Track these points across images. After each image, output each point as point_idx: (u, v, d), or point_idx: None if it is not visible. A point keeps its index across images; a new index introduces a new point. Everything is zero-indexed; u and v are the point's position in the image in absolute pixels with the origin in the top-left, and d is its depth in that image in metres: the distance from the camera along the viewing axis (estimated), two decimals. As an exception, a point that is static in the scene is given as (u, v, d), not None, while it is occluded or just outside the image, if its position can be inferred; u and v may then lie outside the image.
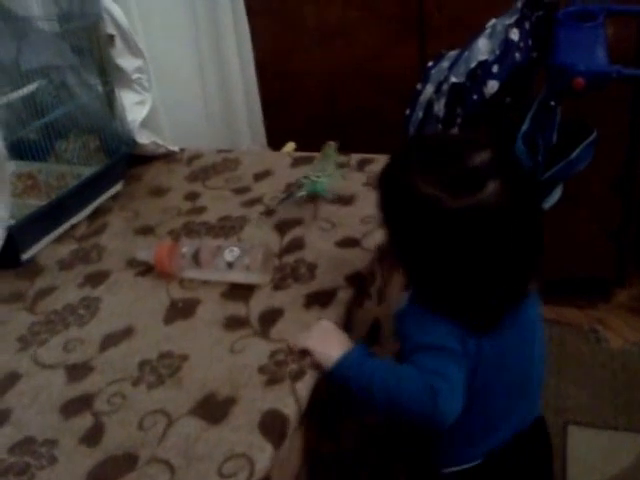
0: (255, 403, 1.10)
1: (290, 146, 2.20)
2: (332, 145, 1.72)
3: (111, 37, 1.73)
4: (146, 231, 1.66)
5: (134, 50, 1.77)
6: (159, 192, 1.84)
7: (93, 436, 1.09)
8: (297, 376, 1.14)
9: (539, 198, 1.12)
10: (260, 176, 1.84)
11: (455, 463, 1.21)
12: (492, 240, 1.01)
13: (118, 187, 1.83)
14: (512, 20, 1.65)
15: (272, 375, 1.15)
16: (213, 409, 1.11)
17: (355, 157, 1.85)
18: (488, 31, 1.69)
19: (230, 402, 1.11)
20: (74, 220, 1.71)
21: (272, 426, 1.06)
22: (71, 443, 1.09)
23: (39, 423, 1.13)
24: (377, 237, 1.48)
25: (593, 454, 2.08)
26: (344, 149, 1.83)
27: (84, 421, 1.12)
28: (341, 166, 1.79)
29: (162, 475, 1.00)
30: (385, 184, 1.13)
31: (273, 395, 1.11)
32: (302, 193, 1.65)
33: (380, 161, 1.80)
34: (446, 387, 1.02)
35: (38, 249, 1.62)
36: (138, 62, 1.80)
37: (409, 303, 1.15)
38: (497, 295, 1.06)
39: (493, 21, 1.71)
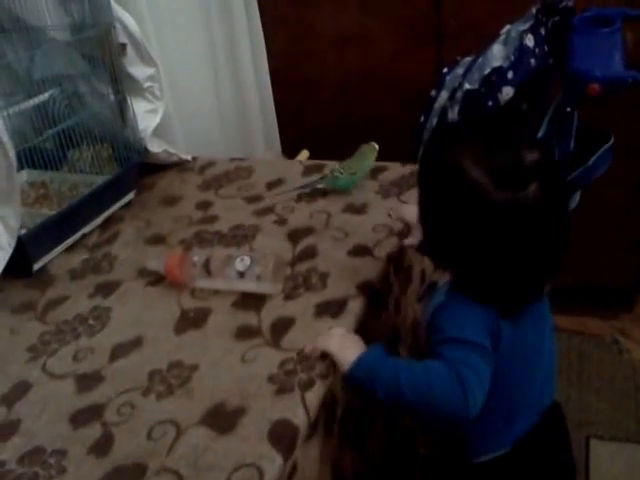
0: (264, 413, 1.09)
1: (304, 154, 2.19)
2: (372, 147, 1.71)
3: (123, 46, 1.72)
4: (157, 240, 1.66)
5: (146, 59, 1.77)
6: (171, 201, 1.84)
7: (102, 446, 1.08)
8: (307, 385, 1.13)
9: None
10: (273, 184, 1.84)
11: (485, 452, 1.21)
12: (523, 234, 1.04)
13: (130, 196, 1.83)
14: (527, 26, 1.64)
15: (282, 385, 1.14)
16: (222, 419, 1.10)
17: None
18: (502, 37, 1.68)
19: (239, 412, 1.10)
20: (86, 229, 1.70)
21: (282, 436, 1.05)
22: (80, 453, 1.08)
23: (48, 433, 1.13)
24: (389, 246, 1.47)
25: (616, 468, 2.04)
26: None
27: (93, 431, 1.12)
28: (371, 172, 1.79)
29: (172, 484, 0.99)
30: (431, 160, 1.14)
31: (283, 405, 1.10)
32: (321, 185, 1.68)
33: (393, 169, 1.80)
34: (473, 377, 1.02)
35: (49, 258, 1.61)
36: (150, 71, 1.79)
37: (447, 296, 1.15)
38: (523, 283, 1.10)
39: (507, 27, 1.70)
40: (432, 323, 1.15)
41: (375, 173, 1.79)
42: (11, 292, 1.52)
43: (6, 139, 1.39)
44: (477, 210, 1.04)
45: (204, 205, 1.79)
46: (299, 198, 1.73)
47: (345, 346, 1.15)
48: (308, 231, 1.58)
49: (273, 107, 2.58)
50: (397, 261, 1.47)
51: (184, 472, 1.01)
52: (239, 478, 0.99)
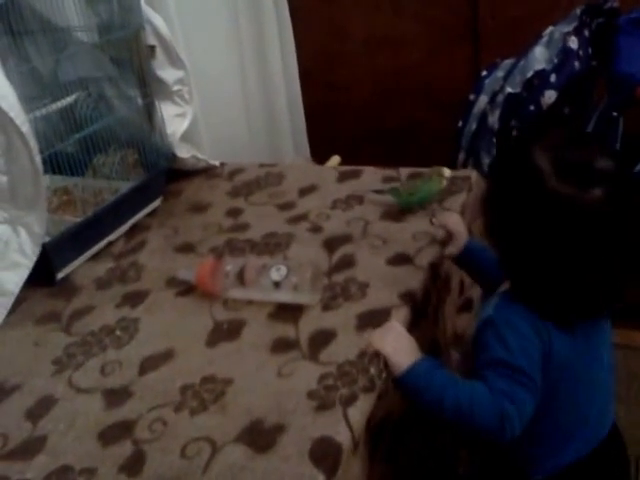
0: (305, 430, 1.02)
1: (335, 160, 2.13)
2: (438, 171, 1.60)
3: (152, 48, 1.67)
4: (186, 249, 1.59)
5: (175, 61, 1.72)
6: (199, 208, 1.78)
7: (133, 465, 1.02)
8: (348, 401, 1.06)
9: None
10: (305, 191, 1.77)
11: (541, 472, 1.14)
12: (581, 240, 1.00)
13: (157, 203, 1.77)
14: (571, 28, 1.58)
15: (322, 400, 1.07)
16: (260, 437, 1.03)
17: (404, 171, 1.76)
18: (545, 39, 1.62)
19: (278, 429, 1.03)
20: (111, 237, 1.65)
21: (324, 455, 0.97)
22: (110, 472, 1.01)
23: (76, 451, 1.06)
24: (431, 254, 1.40)
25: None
26: (391, 162, 1.76)
27: (124, 449, 1.05)
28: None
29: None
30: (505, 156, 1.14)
31: (324, 421, 1.03)
32: (388, 197, 1.60)
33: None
34: (515, 412, 0.99)
35: (73, 267, 1.56)
36: (179, 73, 1.74)
37: (495, 310, 1.09)
38: (578, 296, 1.04)
39: (550, 29, 1.63)
40: (478, 339, 1.09)
41: (412, 179, 1.72)
42: (34, 302, 1.47)
43: (33, 143, 1.34)
44: (535, 199, 1.00)
45: (234, 212, 1.72)
46: (334, 205, 1.66)
47: (400, 348, 1.10)
48: (345, 239, 1.51)
49: (302, 111, 2.53)
50: (436, 270, 1.40)
51: (223, 492, 0.94)
52: (280, 500, 0.91)
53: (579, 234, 0.99)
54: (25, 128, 1.32)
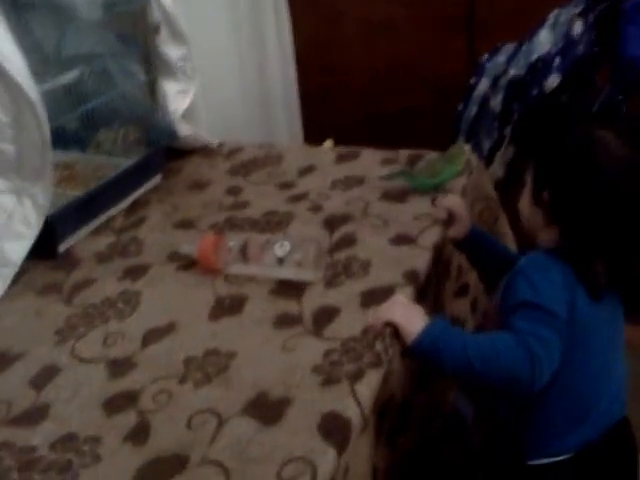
0: (312, 405, 1.03)
1: (328, 144, 2.14)
2: (460, 148, 1.60)
3: (157, 25, 1.67)
4: (186, 225, 1.60)
5: (178, 37, 1.72)
6: (199, 186, 1.78)
7: (138, 435, 1.03)
8: (355, 377, 1.07)
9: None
10: (304, 171, 1.78)
11: (544, 455, 1.15)
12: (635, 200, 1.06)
13: (156, 180, 1.78)
14: (577, 10, 1.59)
15: (327, 375, 1.08)
16: (266, 410, 1.04)
17: (403, 153, 1.78)
18: (550, 22, 1.63)
19: (284, 403, 1.04)
20: (112, 212, 1.65)
21: (334, 429, 0.98)
22: (115, 441, 1.02)
23: (81, 419, 1.07)
24: (434, 235, 1.41)
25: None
26: (386, 146, 1.77)
27: (128, 419, 1.06)
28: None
29: (216, 477, 0.94)
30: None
31: (331, 396, 1.04)
32: (400, 179, 1.61)
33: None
34: (542, 349, 1.01)
35: (74, 241, 1.56)
36: (182, 50, 1.74)
37: (528, 259, 1.15)
38: (620, 257, 1.10)
39: (556, 11, 1.64)
40: (506, 292, 1.12)
41: (413, 161, 1.73)
42: (36, 274, 1.47)
43: (42, 113, 1.34)
44: (598, 164, 1.07)
45: (234, 190, 1.73)
46: (333, 185, 1.67)
47: (410, 316, 1.11)
48: (345, 219, 1.52)
49: (297, 94, 2.54)
50: (439, 252, 1.41)
51: (229, 464, 0.95)
52: (290, 472, 0.92)
53: (634, 193, 1.05)
54: (35, 98, 1.32)
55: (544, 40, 1.62)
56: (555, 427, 1.13)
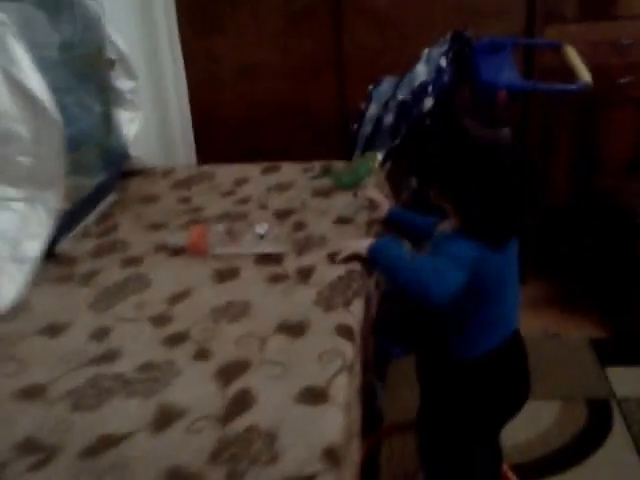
0: (324, 321, 1.44)
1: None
2: (375, 156, 2.06)
3: (112, 62, 2.00)
4: (158, 227, 1.92)
5: (130, 73, 2.06)
6: (151, 199, 2.12)
7: (203, 355, 1.37)
8: (346, 303, 1.49)
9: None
10: (239, 182, 2.17)
11: (477, 349, 1.56)
12: (502, 171, 1.41)
13: (114, 196, 2.09)
14: (443, 49, 2.12)
15: (327, 304, 1.49)
16: (292, 329, 1.42)
17: (317, 163, 2.24)
18: (424, 58, 2.15)
19: (304, 324, 1.44)
20: (87, 222, 1.95)
21: (346, 333, 1.40)
22: (187, 361, 1.35)
23: (150, 353, 1.39)
24: (364, 217, 1.86)
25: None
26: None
27: (189, 348, 1.39)
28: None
29: (275, 368, 1.31)
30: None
31: (334, 316, 1.45)
32: (326, 178, 2.04)
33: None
34: (450, 274, 1.40)
35: (64, 245, 1.84)
36: (132, 83, 2.08)
37: (441, 235, 1.55)
38: (508, 218, 1.46)
39: (427, 50, 2.17)
40: (434, 245, 1.53)
41: (327, 168, 2.18)
42: (43, 270, 1.71)
43: (62, 128, 1.63)
44: (468, 149, 1.41)
45: (185, 200, 2.08)
46: (269, 190, 2.08)
47: (360, 242, 1.61)
48: (290, 212, 1.93)
49: (190, 125, 2.90)
50: (371, 228, 1.85)
51: (281, 359, 1.33)
52: (327, 360, 1.32)
53: (499, 165, 1.40)
54: (56, 114, 1.62)
55: (421, 71, 2.13)
56: (485, 327, 1.56)
